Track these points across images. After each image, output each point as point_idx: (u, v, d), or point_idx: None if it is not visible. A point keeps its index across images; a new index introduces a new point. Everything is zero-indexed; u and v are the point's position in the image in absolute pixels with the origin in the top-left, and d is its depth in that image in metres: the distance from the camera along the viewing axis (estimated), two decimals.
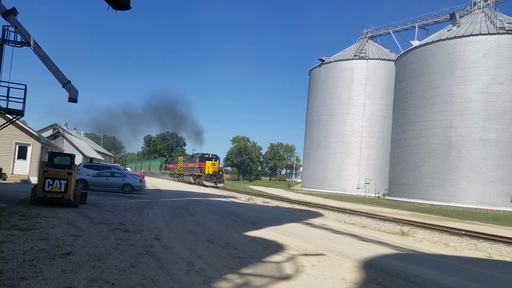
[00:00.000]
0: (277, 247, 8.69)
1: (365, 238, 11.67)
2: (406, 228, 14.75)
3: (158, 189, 30.41)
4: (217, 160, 47.38)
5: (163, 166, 69.91)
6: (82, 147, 47.00)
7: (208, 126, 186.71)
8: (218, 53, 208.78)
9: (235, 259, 7.10)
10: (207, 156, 47.41)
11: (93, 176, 22.68)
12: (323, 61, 51.89)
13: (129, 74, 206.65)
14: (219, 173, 45.06)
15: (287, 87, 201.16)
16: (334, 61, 50.64)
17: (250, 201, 24.92)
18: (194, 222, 11.97)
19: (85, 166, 26.62)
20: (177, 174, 58.13)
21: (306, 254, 8.12)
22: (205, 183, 44.45)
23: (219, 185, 44.08)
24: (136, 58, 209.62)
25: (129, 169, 72.61)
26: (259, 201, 25.27)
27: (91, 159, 44.83)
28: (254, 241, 9.28)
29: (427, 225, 16.42)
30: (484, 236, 13.92)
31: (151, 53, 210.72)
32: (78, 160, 37.45)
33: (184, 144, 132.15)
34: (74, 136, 52.59)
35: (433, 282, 6.46)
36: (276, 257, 7.58)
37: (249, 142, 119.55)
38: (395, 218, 18.57)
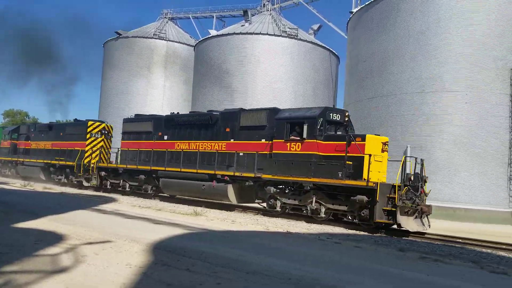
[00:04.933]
0: (55, 238, 7.75)
1: (159, 221, 11.69)
2: (199, 209, 15.50)
3: None
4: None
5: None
6: None
7: None
8: None
9: None
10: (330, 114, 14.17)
11: None
12: (120, 34, 49.23)
13: None
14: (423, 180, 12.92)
15: (82, 61, 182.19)
16: (133, 36, 48.76)
17: (27, 187, 21.72)
18: None
19: None
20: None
21: (90, 243, 7.52)
22: (406, 224, 11.75)
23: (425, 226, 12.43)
24: None
25: None
26: (39, 187, 22.27)
27: None
28: (26, 234, 8.05)
29: (218, 205, 17.68)
30: (263, 212, 15.91)
31: None
32: None
33: None
34: None
35: (217, 256, 6.92)
36: (52, 249, 6.74)
37: (28, 118, 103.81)
38: (189, 199, 19.28)
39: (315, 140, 13.44)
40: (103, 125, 24.84)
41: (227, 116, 16.91)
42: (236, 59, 36.75)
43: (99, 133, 24.34)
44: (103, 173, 22.13)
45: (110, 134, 24.93)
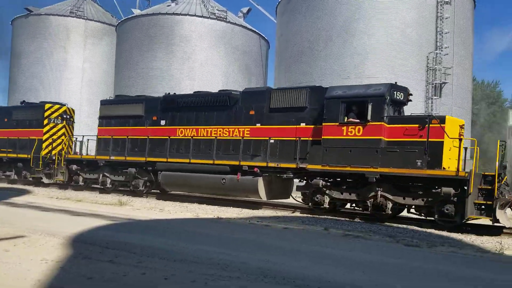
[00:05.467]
0: None
1: (79, 213, 11.17)
2: (124, 198, 15.00)
3: None
4: None
5: None
6: None
7: None
8: None
9: None
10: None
11: None
12: (30, 11, 45.29)
13: None
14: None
15: None
16: (45, 14, 45.13)
17: None
18: None
19: None
20: None
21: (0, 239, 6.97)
22: (502, 219, 10.58)
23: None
24: None
25: None
26: None
27: None
28: None
29: (145, 193, 17.19)
30: (193, 200, 15.76)
31: None
32: None
33: None
34: None
35: (142, 246, 6.79)
36: None
37: None
38: (114, 189, 18.43)
39: (381, 123, 11.41)
40: (63, 108, 20.87)
41: (250, 96, 14.37)
42: (162, 41, 35.66)
43: (60, 118, 20.43)
44: (74, 167, 18.47)
45: (72, 119, 21.39)
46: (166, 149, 15.58)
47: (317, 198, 12.38)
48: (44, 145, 19.84)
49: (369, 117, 11.35)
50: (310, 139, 12.60)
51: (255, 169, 13.28)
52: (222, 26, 36.27)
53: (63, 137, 20.14)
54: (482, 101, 44.54)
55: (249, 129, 13.96)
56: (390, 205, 11.35)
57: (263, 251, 7.07)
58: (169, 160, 15.33)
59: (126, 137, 16.91)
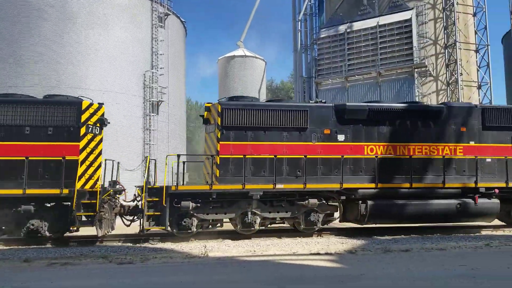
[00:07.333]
0: None
1: None
2: None
3: None
4: None
5: None
6: None
7: None
8: None
9: None
10: None
11: None
12: None
13: None
14: None
15: None
16: None
17: None
18: None
19: None
20: None
21: None
22: None
23: None
24: None
25: None
26: None
27: None
28: None
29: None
30: None
31: None
32: None
33: None
34: None
35: None
36: None
37: None
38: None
39: None
40: (102, 109, 12.15)
41: (458, 112, 13.76)
42: None
43: (98, 125, 11.91)
44: (191, 205, 11.38)
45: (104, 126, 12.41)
46: (350, 171, 12.80)
47: None
48: (81, 170, 11.30)
49: None
50: None
51: (496, 191, 13.17)
52: None
53: (100, 157, 11.93)
54: (197, 119, 49.97)
55: (462, 147, 13.56)
56: None
57: None
58: (381, 185, 12.63)
59: (300, 156, 12.50)
